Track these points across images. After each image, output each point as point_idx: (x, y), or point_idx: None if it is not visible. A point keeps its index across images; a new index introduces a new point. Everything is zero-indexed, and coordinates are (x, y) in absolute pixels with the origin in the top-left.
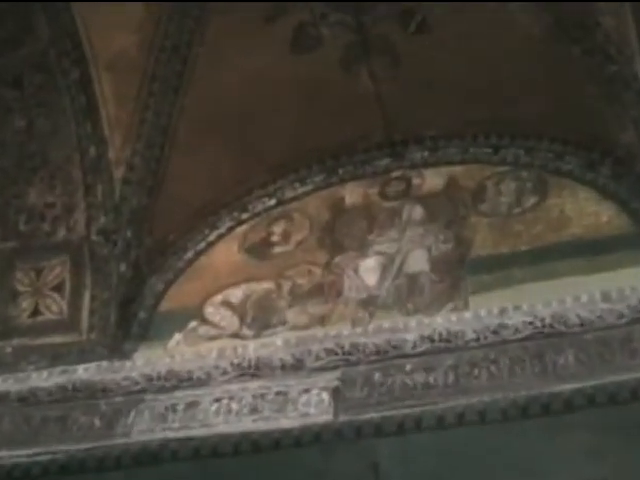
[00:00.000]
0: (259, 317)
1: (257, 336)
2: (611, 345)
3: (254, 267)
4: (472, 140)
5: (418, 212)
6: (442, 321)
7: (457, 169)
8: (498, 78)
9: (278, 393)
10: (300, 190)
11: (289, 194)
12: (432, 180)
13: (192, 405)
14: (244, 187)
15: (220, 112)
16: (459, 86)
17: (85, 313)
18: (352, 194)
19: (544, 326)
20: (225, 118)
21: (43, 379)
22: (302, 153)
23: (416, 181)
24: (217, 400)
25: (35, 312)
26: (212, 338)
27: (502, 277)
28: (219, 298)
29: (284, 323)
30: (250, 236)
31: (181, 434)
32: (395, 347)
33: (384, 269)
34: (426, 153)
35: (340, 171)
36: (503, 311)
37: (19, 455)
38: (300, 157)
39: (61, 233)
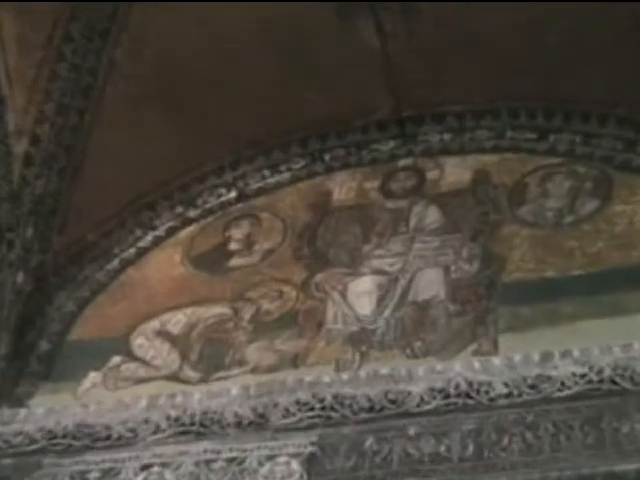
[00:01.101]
0: (208, 354)
1: (204, 381)
2: None
3: (203, 285)
4: (510, 120)
5: (433, 217)
6: (461, 369)
7: (488, 159)
8: (548, 41)
9: (231, 460)
10: (271, 180)
11: (255, 185)
12: (454, 173)
13: (110, 474)
14: (193, 173)
15: (165, 71)
16: (495, 49)
17: None
18: (343, 188)
19: (602, 380)
20: (171, 80)
21: None
22: (276, 130)
23: (432, 174)
24: (145, 467)
25: None
26: (142, 381)
27: (546, 311)
28: (154, 326)
29: (243, 364)
30: (199, 242)
31: None
32: (395, 402)
33: (383, 293)
34: (447, 136)
35: (327, 156)
36: (546, 357)
37: None
38: (273, 135)
39: None
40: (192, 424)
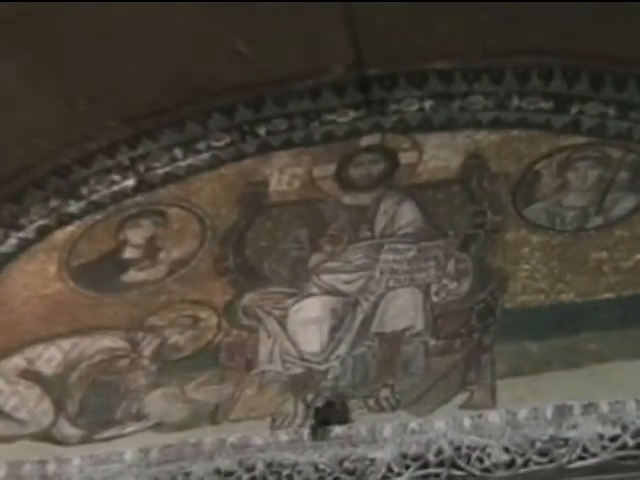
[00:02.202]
0: (94, 404)
1: (88, 441)
2: None
3: (88, 307)
4: (517, 83)
5: (408, 217)
6: (445, 427)
7: (486, 138)
8: None
9: None
10: (182, 163)
11: (161, 169)
12: (437, 157)
13: None
14: (74, 152)
15: (25, 7)
16: None
17: None
18: (283, 176)
19: (638, 446)
20: (42, 24)
21: None
22: (190, 94)
23: (407, 157)
24: None
25: None
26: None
27: (562, 348)
28: (17, 363)
29: (142, 418)
30: (83, 247)
31: None
32: (353, 473)
33: (337, 322)
34: (428, 104)
35: (261, 130)
36: (562, 413)
37: None
38: (186, 101)
39: None
40: None
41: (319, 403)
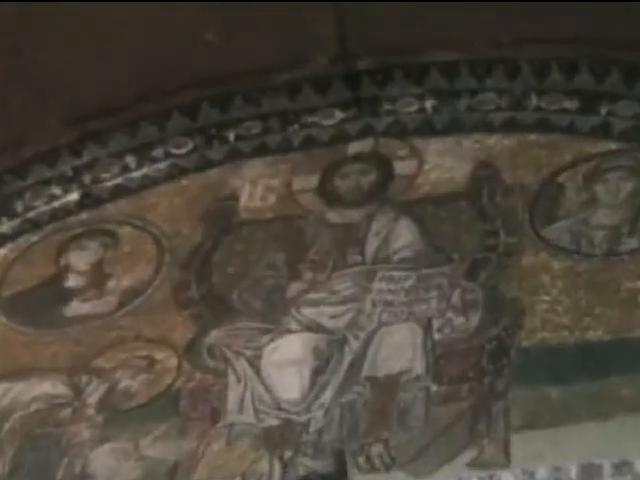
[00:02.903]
0: (29, 463)
1: None
2: None
3: (24, 345)
4: (536, 78)
5: (405, 238)
6: None
7: (498, 143)
8: None
9: None
10: (136, 173)
11: (111, 181)
12: (440, 166)
13: None
14: (7, 159)
15: None
16: None
17: None
18: (256, 188)
19: None
20: None
21: None
22: (147, 89)
23: (404, 167)
24: None
25: None
26: None
27: (589, 395)
28: None
29: (85, 478)
30: (17, 274)
31: None
32: None
33: (321, 364)
34: (429, 103)
35: (230, 134)
36: (589, 472)
37: None
38: (141, 97)
39: None
40: None
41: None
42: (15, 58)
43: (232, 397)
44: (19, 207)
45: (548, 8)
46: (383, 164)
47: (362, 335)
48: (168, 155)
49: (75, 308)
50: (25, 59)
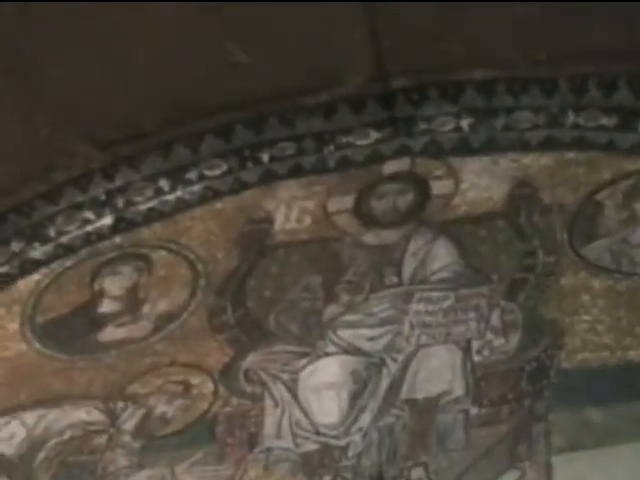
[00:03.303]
0: None
1: None
2: None
3: (57, 372)
4: (573, 95)
5: (443, 259)
6: None
7: (535, 162)
8: None
9: None
10: (170, 196)
11: (144, 204)
12: (477, 186)
13: None
14: (39, 184)
15: None
16: None
17: None
18: (292, 210)
19: None
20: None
21: None
22: (179, 113)
23: (441, 186)
24: None
25: None
26: None
27: (630, 417)
28: None
29: None
30: (50, 300)
31: None
32: None
33: (360, 388)
34: (465, 122)
35: (265, 156)
36: None
37: None
38: (174, 121)
39: None
40: None
41: None
42: (42, 82)
43: (269, 422)
44: (52, 232)
45: (585, 23)
46: (419, 184)
47: (400, 357)
48: (202, 178)
49: (109, 333)
50: (53, 83)
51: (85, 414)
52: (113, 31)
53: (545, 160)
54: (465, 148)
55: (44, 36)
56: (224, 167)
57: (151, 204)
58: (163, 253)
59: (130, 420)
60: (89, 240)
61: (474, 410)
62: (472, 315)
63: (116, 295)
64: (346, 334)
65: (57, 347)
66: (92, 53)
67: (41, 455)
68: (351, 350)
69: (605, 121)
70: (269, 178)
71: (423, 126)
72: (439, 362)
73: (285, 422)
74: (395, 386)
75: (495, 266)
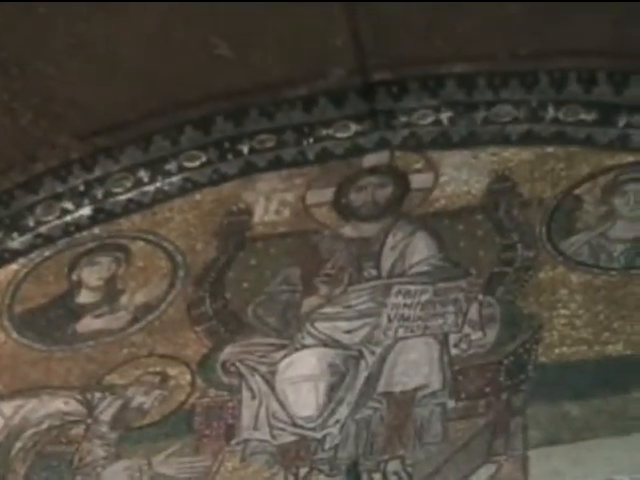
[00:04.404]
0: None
1: None
2: None
3: (35, 363)
4: (553, 89)
5: (422, 252)
6: None
7: (515, 156)
8: None
9: None
10: (149, 187)
11: (123, 195)
12: (457, 179)
13: None
14: (17, 174)
15: None
16: None
17: None
18: (271, 203)
19: None
20: None
21: None
22: (159, 104)
23: (420, 180)
24: None
25: None
26: None
27: (611, 410)
28: None
29: None
30: (28, 290)
31: None
32: None
33: (337, 380)
34: (445, 115)
35: (244, 148)
36: None
37: None
38: (154, 112)
39: None
40: None
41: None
42: (22, 73)
43: (246, 414)
44: (30, 222)
45: (566, 19)
46: (399, 177)
47: (378, 350)
48: (181, 169)
49: (87, 324)
50: (34, 75)
51: (63, 404)
52: (95, 24)
53: (525, 154)
54: (445, 142)
55: (26, 29)
56: (203, 159)
57: (130, 195)
58: (142, 244)
59: (107, 411)
60: (68, 230)
61: (451, 403)
62: (450, 308)
63: (94, 286)
64: (324, 326)
65: (35, 337)
66: (74, 46)
67: (18, 445)
68: (329, 343)
69: (584, 116)
70: (249, 170)
71: (403, 119)
72: (417, 355)
73: (262, 414)
74: (372, 379)
75: (474, 260)
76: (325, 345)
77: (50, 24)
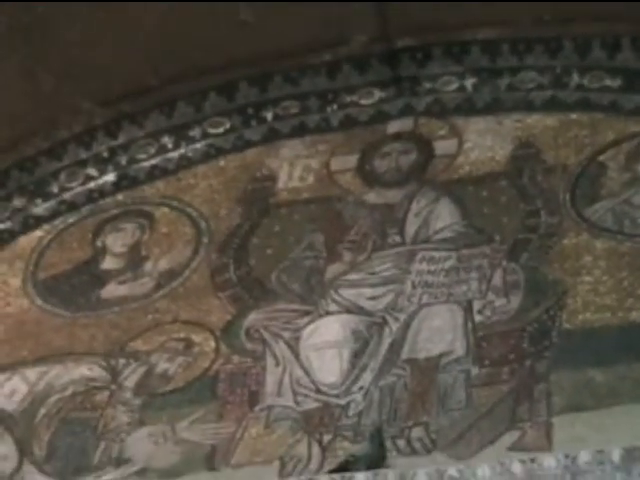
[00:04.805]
0: (66, 447)
1: None
2: None
3: (59, 328)
4: (577, 56)
5: (445, 219)
6: (491, 473)
7: (539, 122)
8: None
9: None
10: (173, 154)
11: (146, 162)
12: (481, 146)
13: None
14: (40, 140)
15: None
16: None
17: None
18: (294, 169)
19: None
20: None
21: None
22: (181, 70)
23: (444, 146)
24: None
25: None
26: None
27: (631, 378)
28: None
29: (123, 462)
30: (52, 256)
31: None
32: None
33: (360, 346)
34: (469, 82)
35: (268, 114)
36: (631, 457)
37: None
38: (176, 78)
39: None
40: None
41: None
42: (46, 39)
43: (270, 380)
44: (54, 189)
45: None
46: (423, 144)
47: (402, 317)
48: (205, 135)
49: (111, 290)
50: (57, 40)
51: (87, 370)
52: None
53: (549, 121)
54: (469, 108)
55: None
56: (227, 125)
57: (154, 161)
58: (166, 210)
59: (131, 377)
60: (92, 197)
61: (475, 370)
62: (474, 275)
63: (118, 252)
64: (348, 293)
65: (59, 304)
66: (97, 11)
67: (42, 411)
68: (353, 309)
69: (609, 82)
70: (272, 136)
71: (427, 86)
72: (440, 322)
73: (286, 380)
74: (396, 345)
75: (498, 226)
76: (349, 311)
77: None
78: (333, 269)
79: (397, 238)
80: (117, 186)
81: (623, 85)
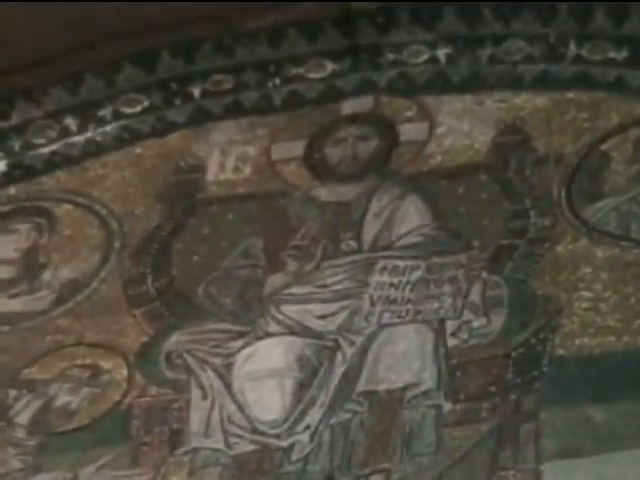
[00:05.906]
0: None
1: None
2: None
3: None
4: (573, 22)
5: (413, 220)
6: None
7: (528, 103)
8: None
9: None
10: (79, 137)
11: (46, 147)
12: (457, 131)
13: None
14: None
15: None
16: None
17: None
18: (228, 158)
19: None
20: None
21: None
22: (86, 34)
23: (411, 129)
24: None
25: None
26: None
27: (637, 416)
28: None
29: None
30: None
31: None
32: None
33: (307, 376)
34: (442, 52)
35: (196, 91)
36: None
37: None
38: (79, 44)
39: None
40: None
41: None
42: None
43: (196, 417)
44: None
45: None
46: (385, 128)
47: (358, 340)
48: (118, 116)
49: (1, 305)
50: None
51: None
52: None
53: (540, 101)
54: (442, 84)
55: None
56: (145, 103)
57: (55, 147)
58: (69, 208)
59: (25, 412)
60: None
61: (448, 406)
62: (447, 289)
63: (10, 259)
64: (292, 310)
65: None
66: None
67: None
68: (298, 330)
69: (613, 54)
70: (201, 118)
71: (390, 57)
72: (406, 346)
73: (215, 417)
74: (351, 375)
75: (476, 230)
76: (293, 333)
77: None
78: (274, 281)
79: (353, 244)
80: (8, 177)
81: (630, 58)
